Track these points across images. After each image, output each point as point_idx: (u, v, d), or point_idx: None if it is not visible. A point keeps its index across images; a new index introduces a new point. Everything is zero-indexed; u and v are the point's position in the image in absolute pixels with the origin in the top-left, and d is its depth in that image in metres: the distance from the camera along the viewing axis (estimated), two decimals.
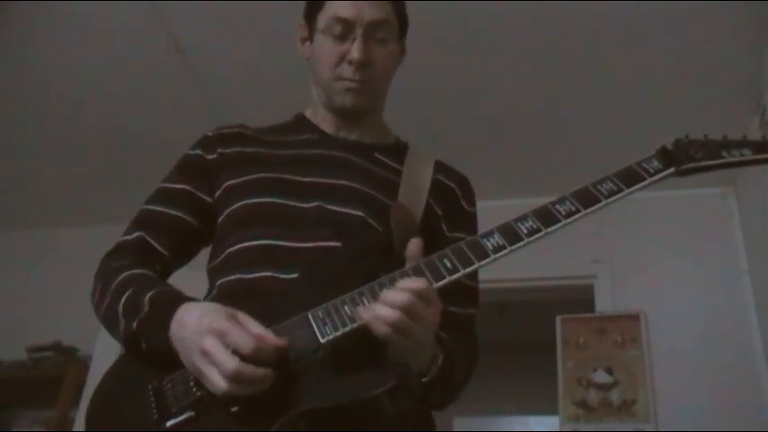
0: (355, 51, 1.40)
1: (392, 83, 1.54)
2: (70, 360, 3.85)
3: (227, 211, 1.40)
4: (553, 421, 3.72)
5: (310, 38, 1.49)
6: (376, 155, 1.48)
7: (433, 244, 1.27)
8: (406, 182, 1.42)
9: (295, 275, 1.25)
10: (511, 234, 1.18)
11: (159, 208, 1.45)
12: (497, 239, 1.18)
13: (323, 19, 1.44)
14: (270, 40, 2.97)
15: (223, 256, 1.36)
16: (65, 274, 4.03)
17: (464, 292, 1.37)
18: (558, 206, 1.21)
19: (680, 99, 3.16)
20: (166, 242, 1.42)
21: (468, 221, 1.49)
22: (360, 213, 1.34)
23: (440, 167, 1.51)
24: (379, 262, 1.20)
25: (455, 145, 2.86)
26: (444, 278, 1.16)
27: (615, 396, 3.32)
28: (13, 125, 3.67)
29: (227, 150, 1.47)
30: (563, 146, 3.56)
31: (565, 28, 2.89)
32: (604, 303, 3.60)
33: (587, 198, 1.22)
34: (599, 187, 1.23)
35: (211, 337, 1.09)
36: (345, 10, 1.41)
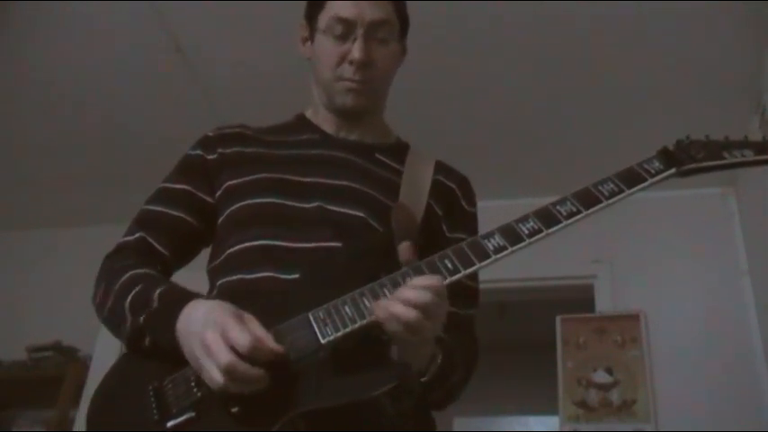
0: (356, 51, 1.40)
1: (392, 83, 1.54)
2: (70, 360, 3.85)
3: (228, 211, 1.40)
4: (553, 421, 3.71)
5: (311, 38, 1.49)
6: (376, 155, 1.48)
7: (433, 244, 1.27)
8: (406, 182, 1.42)
9: (296, 276, 1.25)
10: (512, 235, 1.18)
11: (160, 208, 1.45)
12: (498, 240, 1.18)
13: (324, 19, 1.44)
14: (270, 40, 2.97)
15: (224, 256, 1.36)
16: (65, 274, 4.03)
17: (464, 292, 1.37)
18: (558, 207, 1.21)
19: (680, 99, 3.16)
20: (167, 242, 1.42)
21: (468, 222, 1.49)
22: (360, 214, 1.34)
23: (440, 168, 1.51)
24: (379, 262, 1.20)
25: (455, 145, 2.85)
26: (445, 279, 1.15)
27: (615, 396, 3.32)
28: (13, 125, 3.66)
29: (228, 150, 1.47)
30: (563, 146, 3.55)
31: (565, 28, 2.89)
32: (604, 303, 3.60)
33: (588, 199, 1.22)
34: (600, 188, 1.23)
35: (213, 331, 1.09)
36: (346, 10, 1.41)
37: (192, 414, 1.14)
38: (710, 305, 3.46)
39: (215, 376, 1.08)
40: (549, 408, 3.70)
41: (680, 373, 3.30)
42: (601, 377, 3.39)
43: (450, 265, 1.16)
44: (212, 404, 1.13)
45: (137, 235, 1.42)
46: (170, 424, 1.14)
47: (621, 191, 1.23)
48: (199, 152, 1.50)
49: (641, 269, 3.62)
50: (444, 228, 1.44)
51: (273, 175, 1.40)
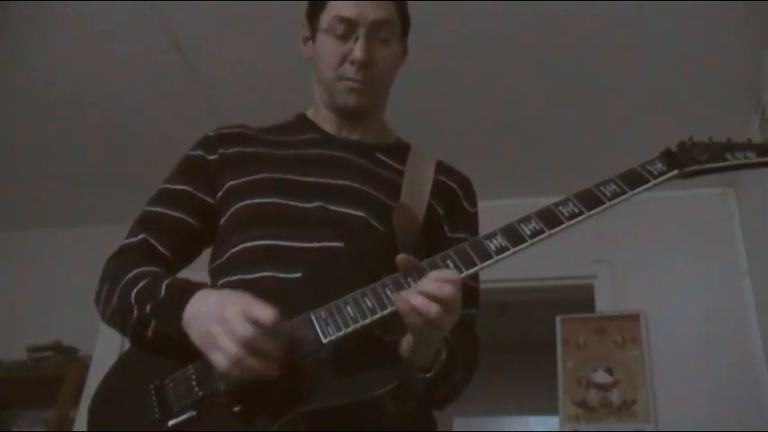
0: (358, 51, 1.40)
1: (393, 83, 1.54)
2: (70, 360, 3.84)
3: (230, 211, 1.40)
4: (553, 421, 3.71)
5: (312, 38, 1.50)
6: (377, 155, 1.48)
7: (434, 244, 1.27)
8: (407, 182, 1.42)
9: (297, 275, 1.25)
10: (514, 235, 1.18)
11: (161, 210, 1.45)
12: (500, 241, 1.18)
13: (325, 19, 1.44)
14: (270, 40, 2.96)
15: (225, 256, 1.36)
16: (65, 274, 4.04)
17: (465, 292, 1.37)
18: (561, 207, 1.21)
19: (680, 99, 3.16)
20: (169, 244, 1.42)
21: (469, 222, 1.49)
22: (361, 214, 1.34)
23: (441, 168, 1.51)
24: (381, 262, 1.20)
25: (455, 145, 2.85)
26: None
27: (615, 396, 3.32)
28: (13, 125, 3.66)
29: (229, 151, 1.47)
30: (563, 146, 3.55)
31: (565, 28, 2.89)
32: (604, 303, 3.60)
33: (590, 200, 1.22)
34: (602, 189, 1.23)
35: (234, 307, 1.10)
36: (348, 10, 1.41)
37: (194, 413, 1.14)
38: (710, 305, 3.45)
39: (233, 349, 1.07)
40: (549, 408, 3.70)
41: (680, 373, 3.30)
42: (601, 377, 3.39)
43: (452, 266, 1.16)
44: (214, 403, 1.13)
45: (139, 237, 1.42)
46: (171, 423, 1.14)
47: (624, 192, 1.23)
48: (199, 152, 1.49)
49: (641, 269, 3.62)
50: (446, 228, 1.45)
51: (275, 174, 1.40)
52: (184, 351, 1.17)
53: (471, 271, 1.17)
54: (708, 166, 1.27)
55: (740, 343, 3.31)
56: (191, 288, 1.21)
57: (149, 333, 1.23)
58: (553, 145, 3.55)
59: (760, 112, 2.98)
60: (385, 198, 1.38)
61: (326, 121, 1.52)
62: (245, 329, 1.07)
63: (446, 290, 1.09)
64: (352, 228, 1.32)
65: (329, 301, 1.15)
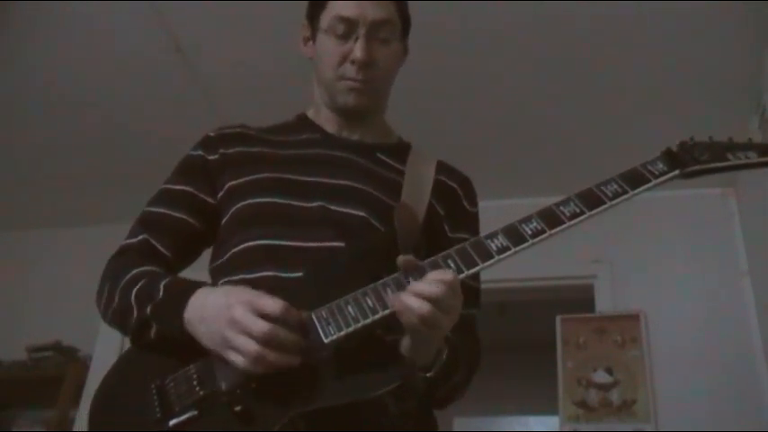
0: (358, 51, 1.40)
1: (394, 83, 1.54)
2: (70, 360, 3.84)
3: (230, 211, 1.40)
4: (553, 421, 3.71)
5: (313, 38, 1.50)
6: (378, 155, 1.48)
7: (435, 244, 1.27)
8: (408, 182, 1.42)
9: (298, 275, 1.25)
10: (515, 235, 1.18)
11: (162, 210, 1.45)
12: (501, 240, 1.18)
13: (326, 18, 1.44)
14: (270, 40, 2.96)
15: (226, 256, 1.36)
16: (65, 274, 4.04)
17: (466, 292, 1.37)
18: (562, 207, 1.21)
19: (680, 99, 3.16)
20: (170, 244, 1.42)
21: (470, 222, 1.49)
22: (362, 214, 1.34)
23: (442, 168, 1.51)
24: (382, 262, 1.20)
25: (455, 145, 2.85)
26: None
27: (615, 396, 3.32)
28: (13, 125, 3.66)
29: (229, 151, 1.47)
30: (563, 146, 3.56)
31: (565, 28, 2.89)
32: (604, 303, 3.60)
33: (592, 200, 1.22)
34: (603, 189, 1.23)
35: (240, 308, 1.10)
36: (348, 9, 1.41)
37: (195, 412, 1.14)
38: (710, 305, 3.45)
39: (253, 349, 1.08)
40: (549, 408, 3.70)
41: (680, 373, 3.30)
42: (601, 377, 3.39)
43: (453, 266, 1.16)
44: (215, 403, 1.13)
45: (140, 237, 1.42)
46: (172, 422, 1.14)
47: (625, 192, 1.23)
48: (200, 153, 1.50)
49: (641, 269, 3.62)
50: (446, 228, 1.45)
51: (276, 174, 1.40)
52: (186, 350, 1.17)
53: (472, 271, 1.17)
54: (709, 165, 1.27)
55: (740, 343, 3.31)
56: (188, 288, 1.21)
57: (151, 335, 1.24)
58: (553, 145, 3.55)
59: (760, 112, 2.98)
60: (386, 198, 1.38)
61: (327, 121, 1.52)
62: (260, 326, 1.08)
63: (436, 289, 1.09)
64: (353, 228, 1.32)
65: (330, 301, 1.15)
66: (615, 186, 1.23)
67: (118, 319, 1.31)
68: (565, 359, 3.49)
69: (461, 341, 1.30)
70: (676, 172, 1.26)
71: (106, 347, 3.54)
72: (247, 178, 1.41)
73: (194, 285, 1.23)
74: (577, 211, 1.20)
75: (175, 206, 1.44)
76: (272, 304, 1.09)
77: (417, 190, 1.42)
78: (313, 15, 1.49)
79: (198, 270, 1.48)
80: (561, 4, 2.75)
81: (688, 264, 3.59)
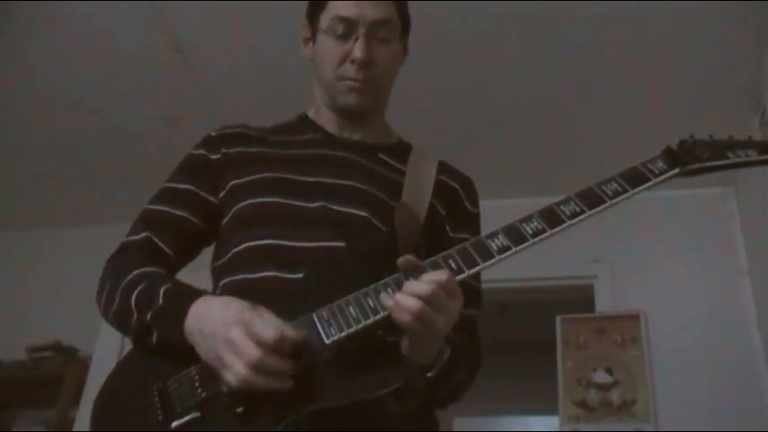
0: (358, 51, 1.40)
1: (394, 82, 1.54)
2: (70, 360, 3.84)
3: (232, 210, 1.40)
4: (553, 421, 3.71)
5: (313, 38, 1.50)
6: (379, 155, 1.48)
7: (436, 245, 1.27)
8: (409, 182, 1.42)
9: (299, 275, 1.25)
10: (516, 235, 1.18)
11: (164, 208, 1.45)
12: (502, 240, 1.18)
13: (325, 19, 1.44)
14: (270, 40, 2.97)
15: (227, 255, 1.36)
16: (65, 274, 4.04)
17: (467, 292, 1.37)
18: (562, 207, 1.21)
19: (680, 99, 3.16)
20: (172, 242, 1.42)
21: (471, 222, 1.49)
22: (364, 214, 1.34)
23: (443, 168, 1.51)
24: (383, 262, 1.20)
25: (455, 145, 2.85)
26: (457, 275, 1.16)
27: (615, 396, 3.32)
28: (13, 125, 3.66)
29: (231, 150, 1.47)
30: (563, 146, 3.55)
31: (565, 28, 2.89)
32: (604, 303, 3.59)
33: (592, 199, 1.22)
34: (604, 188, 1.23)
35: (237, 329, 1.10)
36: (348, 9, 1.42)
37: (197, 414, 1.14)
38: (710, 305, 3.45)
39: (242, 371, 1.07)
40: (549, 408, 3.69)
41: (680, 373, 3.29)
42: (601, 377, 3.38)
43: (453, 266, 1.16)
44: (217, 404, 1.13)
45: (142, 235, 1.42)
46: (174, 424, 1.14)
47: (625, 191, 1.23)
48: (202, 152, 1.50)
49: (641, 269, 3.62)
50: (447, 228, 1.45)
51: (277, 174, 1.40)
52: (188, 352, 1.17)
53: (473, 270, 1.17)
54: (709, 164, 1.27)
55: (740, 343, 3.31)
56: (188, 296, 1.21)
57: (153, 340, 1.24)
58: (553, 145, 3.55)
59: (760, 112, 2.98)
60: (387, 198, 1.38)
61: (328, 122, 1.52)
62: (252, 352, 1.07)
63: (428, 288, 1.10)
64: (354, 228, 1.32)
65: (331, 302, 1.16)
66: (615, 185, 1.23)
67: (118, 320, 1.31)
68: (565, 359, 3.48)
69: (462, 341, 1.30)
70: (676, 170, 1.26)
71: (106, 347, 3.54)
72: (249, 178, 1.41)
73: (194, 293, 1.22)
74: (578, 210, 1.21)
75: (177, 204, 1.44)
76: (267, 332, 1.08)
77: (418, 190, 1.42)
78: (313, 16, 1.50)
79: (197, 270, 1.48)
80: (561, 4, 2.75)
81: (688, 264, 3.59)
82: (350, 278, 1.19)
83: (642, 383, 3.29)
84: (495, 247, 1.17)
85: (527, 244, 1.18)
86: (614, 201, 1.22)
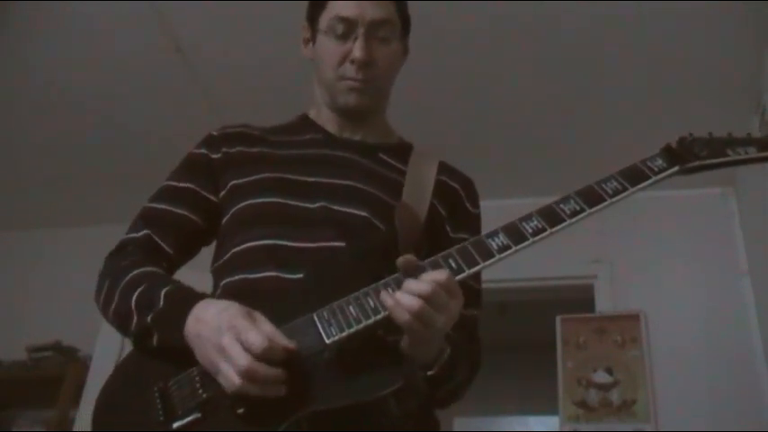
0: (357, 50, 1.40)
1: (394, 82, 1.54)
2: (70, 360, 3.84)
3: (232, 210, 1.40)
4: (553, 421, 3.71)
5: (313, 39, 1.50)
6: (380, 155, 1.48)
7: (436, 245, 1.27)
8: (410, 182, 1.42)
9: (300, 276, 1.25)
10: (516, 234, 1.18)
11: (164, 206, 1.45)
12: (502, 239, 1.18)
13: (325, 19, 1.44)
14: (270, 40, 2.97)
15: (227, 256, 1.36)
16: (65, 274, 4.04)
17: (467, 293, 1.37)
18: (562, 205, 1.21)
19: (680, 99, 3.17)
20: (172, 240, 1.42)
21: (472, 223, 1.49)
22: (364, 214, 1.34)
23: (444, 168, 1.51)
24: (383, 262, 1.20)
25: (455, 145, 2.86)
26: (456, 275, 1.15)
27: (615, 396, 3.32)
28: (13, 125, 3.66)
29: (232, 150, 1.47)
30: (563, 146, 3.56)
31: (565, 28, 2.89)
32: (604, 303, 3.60)
33: (592, 197, 1.22)
34: (603, 186, 1.23)
35: (228, 335, 1.10)
36: (347, 9, 1.41)
37: (198, 415, 1.14)
38: (710, 305, 3.46)
39: (234, 380, 1.07)
40: (549, 408, 3.69)
41: (680, 373, 3.30)
42: (601, 377, 3.39)
43: (454, 265, 1.16)
44: (218, 405, 1.13)
45: (142, 232, 1.42)
46: (175, 425, 1.14)
47: (625, 189, 1.23)
48: (203, 151, 1.50)
49: (641, 269, 3.62)
50: (448, 228, 1.44)
51: (278, 174, 1.40)
52: (188, 353, 1.17)
53: (474, 270, 1.17)
54: (709, 161, 1.27)
55: (740, 343, 3.31)
56: (189, 300, 1.21)
57: (153, 342, 1.23)
58: (553, 145, 3.55)
59: (760, 112, 2.98)
60: (388, 198, 1.38)
61: (329, 122, 1.52)
62: (241, 362, 1.07)
63: (427, 287, 1.10)
64: (355, 228, 1.32)
65: (331, 302, 1.15)
66: (615, 183, 1.23)
67: (117, 319, 1.31)
68: (565, 359, 3.49)
69: (463, 341, 1.30)
70: (676, 168, 1.26)
71: (106, 347, 3.53)
72: (250, 178, 1.41)
73: (195, 297, 1.22)
74: (578, 208, 1.20)
75: (178, 203, 1.44)
76: (256, 340, 1.08)
77: (419, 190, 1.42)
78: (313, 16, 1.49)
79: (200, 270, 1.48)
80: (561, 4, 2.75)
81: (688, 264, 3.59)
82: (350, 278, 1.18)
83: (642, 383, 3.30)
84: (495, 247, 1.17)
85: (527, 243, 1.17)
86: (614, 199, 1.21)
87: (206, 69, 3.24)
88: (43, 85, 3.38)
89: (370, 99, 1.45)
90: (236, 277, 1.31)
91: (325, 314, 1.15)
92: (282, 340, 1.10)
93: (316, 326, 1.14)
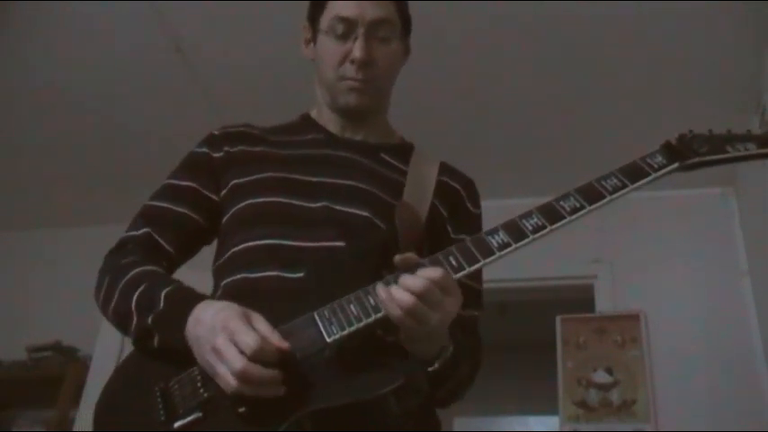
0: (357, 50, 1.40)
1: (395, 82, 1.54)
2: (70, 360, 3.84)
3: (233, 210, 1.40)
4: (553, 421, 3.71)
5: (313, 39, 1.50)
6: (381, 155, 1.48)
7: (437, 245, 1.27)
8: (411, 182, 1.42)
9: (300, 275, 1.25)
10: (516, 231, 1.18)
11: (165, 204, 1.45)
12: (502, 237, 1.18)
13: (325, 19, 1.44)
14: (270, 40, 2.97)
15: (228, 255, 1.36)
16: (65, 274, 4.03)
17: (467, 293, 1.37)
18: (562, 202, 1.21)
19: (680, 99, 3.17)
20: (172, 239, 1.42)
21: (473, 223, 1.49)
22: (366, 213, 1.34)
23: (445, 169, 1.51)
24: (384, 261, 1.19)
25: (455, 145, 2.85)
26: (454, 273, 1.15)
27: (615, 396, 3.32)
28: (13, 125, 3.66)
29: (234, 149, 1.47)
30: (563, 146, 3.56)
31: (565, 28, 2.89)
32: (604, 303, 3.60)
33: (592, 194, 1.21)
34: (603, 183, 1.23)
35: (222, 336, 1.10)
36: (347, 9, 1.42)
37: (199, 414, 1.14)
38: (710, 305, 3.46)
39: (230, 381, 1.08)
40: (549, 408, 3.69)
41: (680, 373, 3.30)
42: (601, 377, 3.39)
43: (454, 263, 1.16)
44: (219, 404, 1.13)
45: (142, 230, 1.42)
46: (177, 424, 1.14)
47: (625, 186, 1.22)
48: (205, 150, 1.50)
49: (641, 269, 3.62)
50: (449, 229, 1.44)
51: (279, 174, 1.40)
52: (189, 353, 1.17)
53: (474, 267, 1.16)
54: (708, 158, 1.27)
55: (740, 343, 3.31)
56: (189, 301, 1.21)
57: (154, 343, 1.23)
58: (553, 145, 3.55)
59: (760, 112, 2.98)
60: (389, 198, 1.38)
61: (330, 122, 1.52)
62: (235, 363, 1.07)
63: (421, 283, 1.09)
64: (356, 228, 1.32)
65: (332, 301, 1.15)
66: (615, 180, 1.23)
67: (117, 318, 1.31)
68: (565, 359, 3.49)
69: (463, 341, 1.30)
70: (676, 165, 1.26)
71: (106, 347, 3.54)
72: (251, 177, 1.41)
73: (195, 298, 1.22)
74: (578, 205, 1.20)
75: (180, 201, 1.44)
76: (248, 342, 1.07)
77: (420, 190, 1.42)
78: (313, 17, 1.50)
79: (201, 270, 1.48)
80: (561, 4, 2.75)
81: (688, 264, 3.59)
82: (351, 277, 1.19)
83: (642, 383, 3.30)
84: (495, 244, 1.17)
85: (527, 240, 1.17)
86: (614, 196, 1.21)
87: (206, 69, 3.24)
88: (43, 85, 3.38)
89: (370, 99, 1.45)
90: (237, 276, 1.31)
91: (325, 313, 1.15)
92: (276, 340, 1.10)
93: (316, 324, 1.14)
